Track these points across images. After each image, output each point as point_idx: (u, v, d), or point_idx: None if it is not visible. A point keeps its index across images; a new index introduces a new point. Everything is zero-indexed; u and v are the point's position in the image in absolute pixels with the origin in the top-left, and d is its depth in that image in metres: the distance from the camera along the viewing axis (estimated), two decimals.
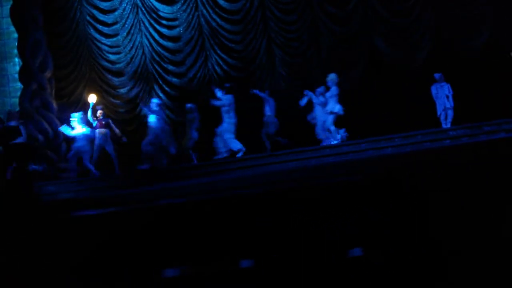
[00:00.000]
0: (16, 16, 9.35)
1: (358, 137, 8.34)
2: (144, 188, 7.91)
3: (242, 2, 9.71)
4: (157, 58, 10.00)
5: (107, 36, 10.06)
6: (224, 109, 8.44)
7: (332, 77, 8.66)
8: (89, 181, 8.40)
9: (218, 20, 9.86)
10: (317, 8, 9.52)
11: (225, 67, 9.82)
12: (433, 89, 8.73)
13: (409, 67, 9.28)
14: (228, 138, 8.47)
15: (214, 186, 7.72)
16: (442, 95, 8.65)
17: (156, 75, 10.02)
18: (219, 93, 8.56)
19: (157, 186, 7.90)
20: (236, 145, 8.43)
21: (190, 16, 9.94)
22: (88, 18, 10.05)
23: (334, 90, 8.52)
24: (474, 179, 6.95)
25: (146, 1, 9.96)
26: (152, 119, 8.53)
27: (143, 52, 10.03)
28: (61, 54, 9.90)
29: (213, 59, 9.86)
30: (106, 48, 10.06)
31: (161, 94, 9.96)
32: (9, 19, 9.62)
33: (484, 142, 7.65)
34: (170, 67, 9.98)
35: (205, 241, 7.12)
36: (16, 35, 9.57)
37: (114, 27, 10.06)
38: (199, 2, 9.86)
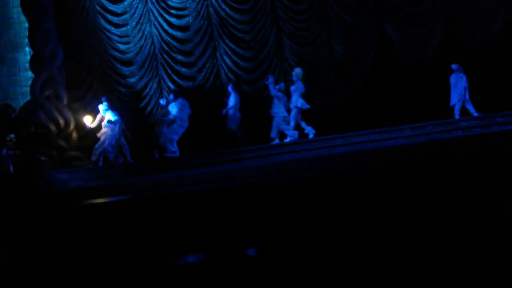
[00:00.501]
0: (27, 6, 9.40)
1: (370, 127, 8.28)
2: (154, 177, 7.99)
3: None
4: (166, 48, 10.00)
5: (116, 25, 10.07)
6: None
7: (297, 71, 8.67)
8: (100, 169, 8.49)
9: (227, 9, 9.82)
10: None
11: (234, 57, 9.79)
12: (452, 79, 8.53)
13: (420, 56, 9.18)
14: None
15: (225, 175, 7.77)
16: (461, 86, 8.50)
17: (165, 64, 10.03)
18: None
19: (167, 175, 7.97)
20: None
21: (199, 6, 9.91)
22: (97, 7, 10.07)
23: (298, 84, 8.50)
24: (486, 170, 6.91)
25: None
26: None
27: (152, 42, 10.04)
28: (71, 43, 9.94)
29: (222, 49, 9.83)
30: (116, 37, 10.08)
31: (170, 84, 9.98)
32: (19, 9, 9.68)
33: (496, 133, 7.59)
34: (179, 57, 9.98)
35: (215, 229, 7.21)
36: (26, 24, 9.63)
37: (123, 16, 10.06)
38: None
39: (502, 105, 8.04)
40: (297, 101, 8.44)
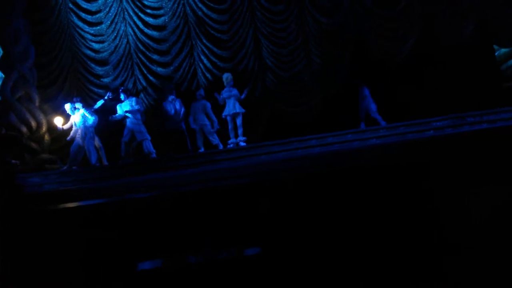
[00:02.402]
0: None
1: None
2: (128, 180, 7.88)
3: None
4: (142, 48, 9.84)
5: (90, 24, 9.84)
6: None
7: (226, 76, 8.86)
8: (75, 172, 8.30)
9: (204, 9, 9.75)
10: None
11: (211, 56, 9.74)
12: (365, 91, 8.81)
13: (395, 58, 9.37)
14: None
15: (199, 177, 7.74)
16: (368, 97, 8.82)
17: (141, 64, 9.88)
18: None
19: (141, 178, 7.88)
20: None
21: (176, 5, 9.79)
22: (70, 5, 9.81)
23: (230, 90, 8.71)
24: (458, 169, 7.14)
25: None
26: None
27: (128, 41, 9.86)
28: (43, 42, 9.64)
29: (199, 48, 9.76)
30: (90, 36, 9.85)
31: (145, 84, 9.85)
32: None
33: (467, 133, 7.82)
34: (155, 57, 9.84)
35: (188, 231, 7.19)
36: None
37: (97, 15, 9.85)
38: None
39: (472, 105, 8.31)
40: (234, 107, 8.66)
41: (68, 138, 8.59)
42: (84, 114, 8.57)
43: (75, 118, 8.62)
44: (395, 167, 7.54)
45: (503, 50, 9.68)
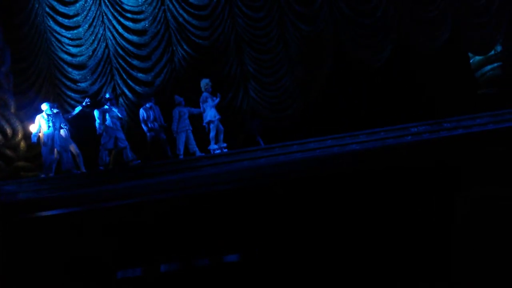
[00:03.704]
0: None
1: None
2: (107, 187, 7.75)
3: None
4: (122, 52, 9.71)
5: (67, 28, 9.66)
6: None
7: (205, 82, 8.80)
8: (52, 180, 8.11)
9: (185, 15, 9.71)
10: (284, 6, 9.59)
11: (192, 62, 9.70)
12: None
13: (374, 65, 9.56)
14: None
15: (180, 184, 7.68)
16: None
17: (120, 69, 9.75)
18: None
19: (120, 185, 7.77)
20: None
21: (156, 10, 9.72)
22: (47, 9, 9.61)
23: (206, 95, 8.68)
24: (434, 174, 7.31)
25: None
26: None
27: (107, 46, 9.72)
28: (19, 48, 9.40)
29: (180, 54, 9.72)
30: (67, 40, 9.66)
31: (125, 89, 9.73)
32: None
33: (444, 138, 8.03)
34: (135, 62, 9.74)
35: (168, 239, 7.11)
36: None
37: (75, 19, 9.67)
38: None
39: (448, 111, 8.55)
40: (210, 114, 8.62)
41: (35, 140, 8.31)
42: (57, 119, 8.38)
43: (45, 122, 8.38)
44: (374, 172, 7.66)
45: (477, 57, 10.01)
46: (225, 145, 8.86)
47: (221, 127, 8.81)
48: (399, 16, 9.49)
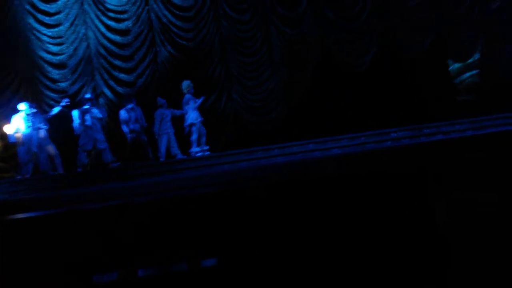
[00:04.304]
0: None
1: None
2: (85, 189, 7.59)
3: None
4: (103, 52, 9.55)
5: (48, 26, 9.45)
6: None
7: (187, 84, 8.63)
8: (27, 181, 7.90)
9: (169, 16, 9.62)
10: (269, 9, 9.59)
11: (175, 64, 9.61)
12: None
13: (356, 69, 9.62)
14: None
15: (161, 187, 7.56)
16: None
17: (101, 69, 9.58)
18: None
19: (99, 187, 7.62)
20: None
21: (140, 10, 9.60)
22: (27, 6, 9.40)
23: (188, 97, 8.56)
24: (415, 179, 7.37)
25: None
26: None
27: (88, 45, 9.54)
28: None
29: (163, 55, 9.60)
30: (47, 38, 9.45)
31: (106, 90, 9.56)
32: None
33: (423, 144, 8.11)
34: (117, 62, 9.59)
35: (147, 243, 6.98)
36: None
37: (56, 17, 9.47)
38: None
39: (429, 117, 8.64)
40: (192, 116, 8.51)
41: (13, 140, 8.11)
42: (36, 119, 8.19)
43: (24, 122, 8.20)
44: (355, 177, 7.68)
45: (457, 65, 10.18)
46: (207, 147, 8.78)
47: (203, 129, 8.70)
48: (382, 21, 9.59)
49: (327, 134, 8.89)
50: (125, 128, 8.59)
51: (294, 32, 9.56)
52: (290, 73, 9.56)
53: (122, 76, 9.59)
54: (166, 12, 9.60)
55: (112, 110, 9.44)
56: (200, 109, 8.81)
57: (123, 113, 8.66)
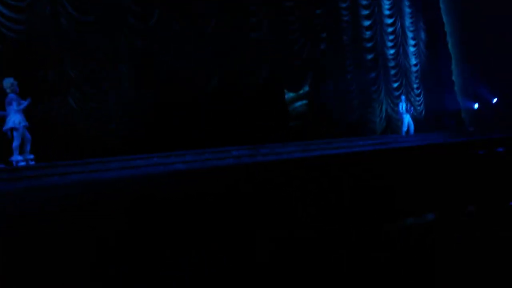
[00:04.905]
0: None
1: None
2: None
3: None
4: None
5: None
6: None
7: (10, 82, 7.44)
8: None
9: None
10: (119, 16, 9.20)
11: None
12: None
13: (205, 91, 9.97)
14: None
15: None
16: None
17: None
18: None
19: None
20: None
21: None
22: None
23: (12, 97, 7.42)
24: (255, 199, 7.87)
25: None
26: None
27: None
28: None
29: None
30: None
31: None
32: None
33: (260, 163, 8.77)
34: None
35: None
36: None
37: None
38: None
39: (266, 138, 9.48)
40: (14, 119, 7.36)
41: None
42: None
43: None
44: (200, 194, 7.78)
45: (291, 94, 11.60)
46: (31, 156, 7.66)
47: (28, 136, 7.56)
48: (220, 55, 10.15)
49: (172, 150, 8.81)
50: None
51: (142, 43, 9.34)
52: (136, 84, 9.26)
53: None
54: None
55: None
56: (26, 112, 7.69)
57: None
